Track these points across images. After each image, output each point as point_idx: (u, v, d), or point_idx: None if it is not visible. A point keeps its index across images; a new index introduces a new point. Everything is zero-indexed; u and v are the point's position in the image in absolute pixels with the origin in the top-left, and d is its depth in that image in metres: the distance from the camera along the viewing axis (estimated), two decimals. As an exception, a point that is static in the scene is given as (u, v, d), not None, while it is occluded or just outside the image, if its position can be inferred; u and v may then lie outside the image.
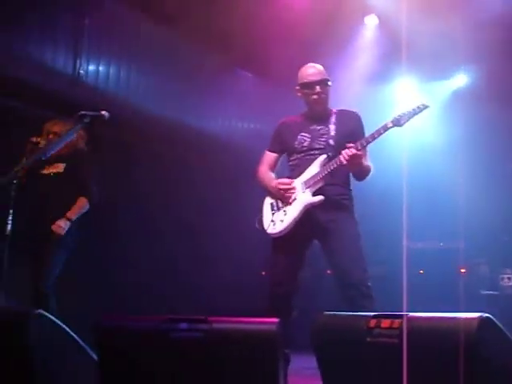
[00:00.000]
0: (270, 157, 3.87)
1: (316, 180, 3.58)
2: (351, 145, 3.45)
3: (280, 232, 3.62)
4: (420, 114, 3.41)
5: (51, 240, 4.22)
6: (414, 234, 5.99)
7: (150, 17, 6.15)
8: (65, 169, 4.43)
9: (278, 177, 3.85)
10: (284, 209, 3.64)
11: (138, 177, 6.48)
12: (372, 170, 3.67)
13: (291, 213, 3.60)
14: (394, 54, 6.63)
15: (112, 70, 5.83)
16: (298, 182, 3.66)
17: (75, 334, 2.80)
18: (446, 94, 7.12)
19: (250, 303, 4.35)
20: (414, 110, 3.39)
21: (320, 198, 3.56)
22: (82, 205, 4.37)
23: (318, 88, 3.69)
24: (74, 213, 4.31)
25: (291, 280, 3.65)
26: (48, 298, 4.20)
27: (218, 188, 6.90)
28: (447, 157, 6.44)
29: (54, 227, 4.21)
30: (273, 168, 3.87)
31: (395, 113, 3.42)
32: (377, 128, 3.48)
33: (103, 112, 3.87)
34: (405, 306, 2.31)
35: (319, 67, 3.78)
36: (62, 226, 4.22)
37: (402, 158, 5.89)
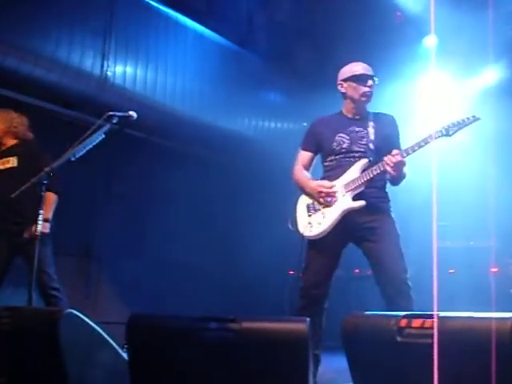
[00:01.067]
0: (304, 156, 3.78)
1: (357, 184, 3.51)
2: (397, 151, 3.38)
3: (317, 235, 3.56)
4: (470, 126, 3.37)
5: (35, 242, 4.19)
6: (444, 232, 5.95)
7: (178, 15, 6.19)
8: (18, 162, 4.41)
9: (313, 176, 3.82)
10: (322, 211, 3.58)
11: (166, 177, 6.51)
12: (407, 175, 3.62)
13: (330, 216, 3.54)
14: (421, 51, 6.60)
15: (139, 71, 5.86)
16: (338, 185, 3.58)
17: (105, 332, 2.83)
18: (477, 90, 7.01)
19: (277, 303, 4.36)
20: (464, 121, 3.34)
21: (362, 203, 3.48)
22: (52, 201, 4.36)
23: (370, 82, 3.61)
24: (49, 212, 4.30)
25: (325, 282, 3.61)
26: (58, 299, 4.25)
27: (247, 189, 6.91)
28: (478, 154, 6.35)
29: (36, 233, 4.13)
30: (308, 167, 3.78)
31: (444, 123, 3.37)
32: (424, 137, 3.39)
33: (131, 112, 3.90)
34: (435, 306, 2.28)
35: (367, 65, 3.70)
36: (43, 231, 4.16)
37: (431, 155, 5.84)
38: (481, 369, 1.96)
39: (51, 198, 4.37)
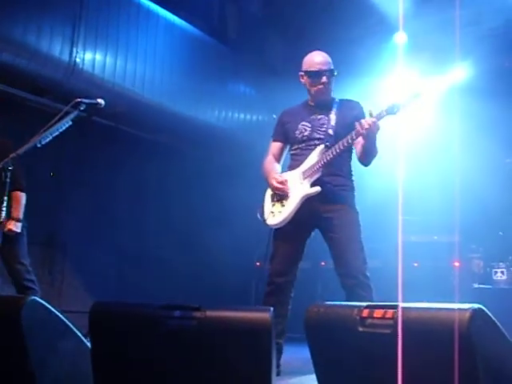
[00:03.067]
0: (274, 146, 3.88)
1: (314, 170, 3.59)
2: (367, 119, 3.40)
3: (279, 223, 3.64)
4: (413, 104, 3.40)
5: (9, 242, 4.17)
6: (408, 227, 6.03)
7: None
8: None
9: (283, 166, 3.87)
10: (282, 200, 3.65)
11: (134, 165, 6.48)
12: (378, 154, 3.64)
13: (289, 204, 3.62)
14: (392, 47, 6.66)
15: (109, 59, 5.80)
16: (296, 173, 3.66)
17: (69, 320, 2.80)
18: (445, 88, 7.10)
19: (243, 294, 4.38)
20: (407, 99, 3.38)
21: (317, 189, 3.56)
22: (20, 200, 4.35)
23: (324, 78, 3.69)
24: (18, 211, 4.30)
25: (291, 270, 3.66)
26: (33, 290, 4.22)
27: (218, 179, 6.89)
28: (444, 151, 6.45)
29: (8, 232, 4.16)
30: (278, 157, 3.86)
31: (389, 101, 3.42)
32: (380, 112, 3.42)
33: (99, 100, 3.87)
34: (400, 297, 2.32)
35: (326, 55, 3.76)
36: (14, 229, 4.21)
37: (398, 152, 5.93)
38: (440, 358, 2.00)
39: (19, 197, 4.35)
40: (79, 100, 3.82)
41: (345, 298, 3.47)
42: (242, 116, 7.28)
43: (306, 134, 3.70)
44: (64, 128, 3.95)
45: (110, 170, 6.37)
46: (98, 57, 5.73)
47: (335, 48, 6.41)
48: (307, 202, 3.58)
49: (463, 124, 6.45)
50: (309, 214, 3.59)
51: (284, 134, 3.84)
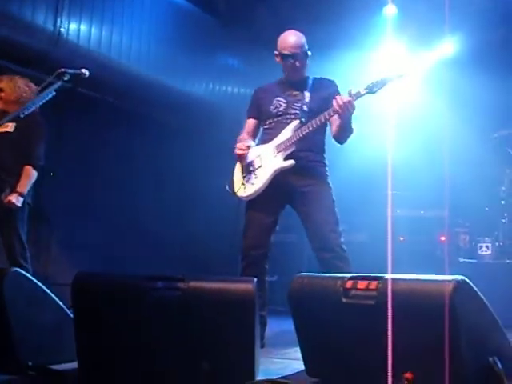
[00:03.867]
0: (250, 123, 3.91)
1: (288, 144, 3.61)
2: (343, 96, 3.42)
3: (250, 195, 3.67)
4: (394, 82, 3.39)
5: (8, 215, 4.13)
6: (395, 201, 6.04)
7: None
8: (14, 128, 4.30)
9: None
10: (255, 172, 3.67)
11: (121, 138, 6.42)
12: (354, 132, 3.67)
13: (262, 176, 3.64)
14: (382, 20, 6.60)
15: (94, 29, 5.70)
16: (270, 146, 3.68)
17: (53, 292, 2.79)
18: (433, 61, 7.07)
19: (227, 264, 4.39)
20: (387, 77, 3.37)
21: (291, 162, 3.59)
22: (30, 175, 4.24)
23: (296, 62, 3.70)
24: (24, 186, 4.19)
25: (264, 243, 3.68)
26: (26, 269, 4.17)
27: (200, 151, 6.87)
28: (432, 125, 6.44)
29: (7, 204, 4.10)
30: (253, 134, 3.90)
31: (369, 80, 3.40)
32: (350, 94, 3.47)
33: (83, 70, 3.82)
34: (389, 269, 2.32)
35: (299, 37, 3.75)
36: (15, 202, 4.10)
37: (386, 125, 5.91)
38: (424, 329, 2.01)
39: (29, 173, 4.25)
40: (63, 70, 3.76)
41: (321, 272, 3.47)
42: (229, 89, 7.23)
43: (281, 109, 3.73)
44: (47, 98, 3.89)
45: (98, 143, 6.31)
46: (83, 27, 5.62)
47: (325, 21, 6.38)
48: (280, 175, 3.61)
49: (451, 99, 6.45)
50: (282, 188, 3.63)
51: (258, 110, 3.86)
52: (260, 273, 3.60)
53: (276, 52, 3.78)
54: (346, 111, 3.41)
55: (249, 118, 3.91)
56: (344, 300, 2.14)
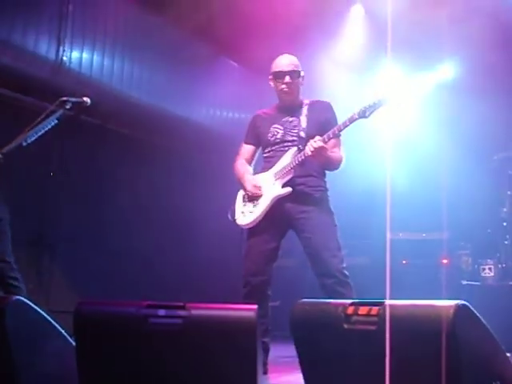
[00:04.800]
0: (246, 149, 3.93)
1: (285, 171, 3.64)
2: (318, 137, 3.48)
3: (249, 223, 3.71)
4: (385, 106, 3.43)
5: None
6: (397, 224, 6.05)
7: (136, 3, 6.10)
8: None
9: (255, 169, 3.90)
10: (254, 200, 3.69)
11: (122, 165, 6.45)
12: (344, 160, 3.70)
13: (261, 205, 3.67)
14: (379, 44, 6.66)
15: (96, 57, 5.77)
16: (269, 174, 3.71)
17: (55, 319, 2.79)
18: (431, 85, 7.13)
19: (229, 290, 4.38)
20: (379, 101, 3.42)
21: (288, 189, 3.62)
22: None
23: (287, 78, 3.73)
24: None
25: (265, 270, 3.68)
26: (17, 289, 4.17)
27: (201, 178, 6.90)
28: (432, 148, 6.47)
29: None
30: (250, 160, 3.93)
31: (361, 104, 3.45)
32: (343, 120, 3.53)
33: (85, 98, 3.88)
34: (388, 294, 2.32)
35: (292, 58, 3.82)
36: None
37: (386, 149, 5.94)
38: (425, 354, 2.01)
39: None
40: (65, 98, 3.82)
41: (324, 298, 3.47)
42: (230, 115, 7.29)
43: (278, 136, 3.74)
44: (50, 127, 3.93)
45: (99, 170, 6.34)
46: (85, 55, 5.69)
47: (317, 46, 6.42)
48: (281, 202, 3.63)
49: (451, 121, 6.48)
50: (282, 215, 3.64)
51: (256, 138, 3.89)
52: (262, 299, 3.59)
53: (270, 76, 3.82)
54: (319, 156, 3.49)
55: (245, 143, 3.94)
56: (345, 326, 2.14)
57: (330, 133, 3.51)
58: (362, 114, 3.42)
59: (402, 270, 6.01)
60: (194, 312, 2.20)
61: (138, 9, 6.14)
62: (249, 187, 3.70)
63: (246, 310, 2.19)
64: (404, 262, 6.21)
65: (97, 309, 2.39)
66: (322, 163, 3.64)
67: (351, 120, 3.47)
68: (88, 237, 6.11)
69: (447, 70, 7.05)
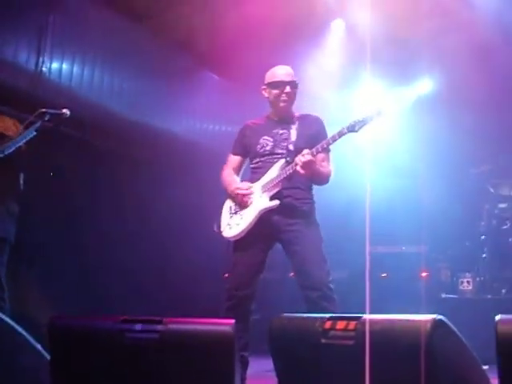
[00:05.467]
0: (233, 159, 3.90)
1: (273, 184, 3.62)
2: (306, 151, 3.48)
3: (235, 235, 3.67)
4: (375, 120, 3.45)
5: None
6: (376, 238, 6.07)
7: (117, 15, 6.09)
8: None
9: (242, 179, 3.88)
10: (241, 212, 3.67)
11: (102, 177, 6.40)
12: (332, 174, 3.71)
13: (247, 217, 3.64)
14: (359, 59, 6.72)
15: (76, 68, 5.74)
16: (256, 186, 3.69)
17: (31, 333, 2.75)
18: (411, 99, 7.20)
19: (211, 305, 4.34)
20: (369, 116, 3.42)
21: (275, 202, 3.60)
22: None
23: (288, 88, 3.73)
24: None
25: (251, 283, 3.65)
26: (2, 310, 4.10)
27: (182, 190, 6.86)
28: (411, 162, 6.52)
29: None
30: (237, 171, 3.89)
31: (351, 118, 3.47)
32: (332, 134, 3.53)
33: (64, 110, 3.85)
34: (368, 308, 2.32)
35: (290, 69, 3.83)
36: None
37: (365, 163, 5.98)
38: (403, 369, 2.01)
39: None
40: (43, 110, 3.79)
41: (307, 311, 3.45)
42: (211, 127, 7.30)
43: (267, 148, 3.73)
44: (28, 138, 3.89)
45: (77, 181, 6.28)
46: (65, 66, 5.66)
47: (298, 59, 6.46)
48: (268, 215, 3.61)
49: (429, 135, 6.55)
50: (270, 228, 3.61)
51: (244, 148, 3.87)
52: (244, 313, 3.57)
53: (264, 86, 3.81)
54: (308, 169, 3.47)
55: (233, 154, 3.91)
56: (323, 341, 2.13)
57: (319, 146, 3.51)
58: (352, 128, 3.43)
59: (381, 283, 6.02)
60: (171, 326, 2.18)
61: (118, 20, 6.12)
62: (238, 191, 3.67)
63: (224, 325, 2.18)
64: (383, 275, 6.22)
65: (72, 323, 2.36)
66: (311, 177, 3.63)
67: (340, 134, 3.47)
68: (68, 249, 6.04)
69: (425, 85, 7.13)
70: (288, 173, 3.57)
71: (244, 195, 3.66)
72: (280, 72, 3.79)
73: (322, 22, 6.66)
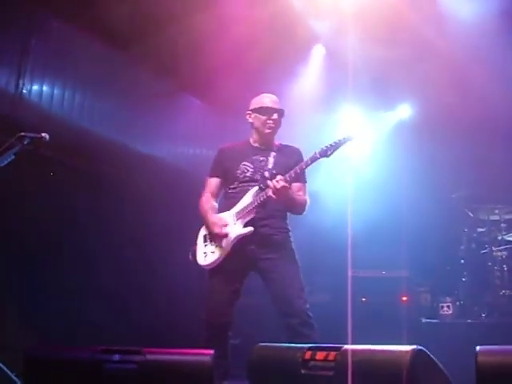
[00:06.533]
0: (212, 182, 3.89)
1: (247, 211, 3.63)
2: (280, 177, 3.48)
3: (210, 264, 3.66)
4: (346, 145, 3.47)
5: None
6: (357, 262, 6.10)
7: (98, 39, 6.09)
8: None
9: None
10: (216, 240, 3.66)
11: (81, 199, 6.33)
12: (308, 204, 3.71)
13: (222, 245, 3.63)
14: (340, 83, 6.79)
15: (56, 91, 5.71)
16: (230, 214, 3.69)
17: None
18: (391, 124, 7.27)
19: (189, 333, 4.30)
20: (340, 140, 3.47)
21: (249, 229, 3.60)
22: None
23: (275, 115, 3.77)
24: None
25: (227, 311, 3.64)
26: None
27: (162, 213, 6.82)
28: (391, 187, 6.56)
29: None
30: (216, 195, 3.88)
31: (323, 144, 3.50)
32: (305, 159, 3.56)
33: (43, 134, 3.80)
34: (349, 337, 2.31)
35: (276, 97, 3.87)
36: None
37: (346, 188, 6.01)
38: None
39: None
40: (23, 134, 3.75)
41: (288, 338, 3.44)
42: (191, 151, 7.30)
43: (247, 174, 3.74)
44: (6, 162, 3.85)
45: (56, 205, 6.21)
46: (46, 88, 5.63)
47: (279, 85, 6.52)
48: (244, 244, 3.61)
49: (410, 160, 6.61)
50: (246, 257, 3.62)
51: (223, 172, 3.86)
52: (223, 341, 3.55)
53: (249, 111, 3.83)
54: (281, 196, 3.47)
55: (211, 177, 3.89)
56: (303, 371, 2.12)
57: (292, 172, 3.52)
58: (324, 153, 3.45)
59: (362, 308, 6.02)
60: (150, 357, 2.15)
61: (100, 44, 6.12)
62: (214, 228, 3.65)
63: (203, 355, 2.16)
64: (363, 299, 6.22)
65: (49, 353, 2.32)
66: (286, 205, 3.62)
67: (312, 159, 3.49)
68: (44, 273, 5.95)
69: (405, 111, 7.21)
70: (261, 199, 3.57)
71: (220, 230, 3.64)
72: (269, 99, 3.82)
73: (303, 47, 6.71)
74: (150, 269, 6.74)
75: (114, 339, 2.42)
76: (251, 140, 3.89)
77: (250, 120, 3.84)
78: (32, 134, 3.77)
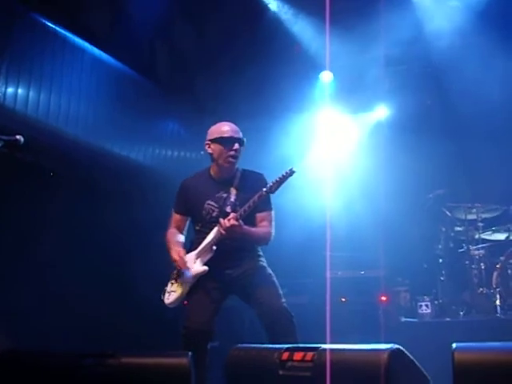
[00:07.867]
0: (177, 218, 3.88)
1: (205, 250, 3.65)
2: (232, 215, 3.48)
3: (172, 303, 3.73)
4: (288, 179, 3.49)
5: None
6: (336, 263, 6.11)
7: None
8: None
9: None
10: (178, 280, 3.72)
11: (57, 203, 6.26)
12: (272, 234, 3.70)
13: (181, 285, 3.69)
14: (317, 85, 6.82)
15: (32, 93, 5.63)
16: (192, 254, 3.71)
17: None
18: (369, 125, 7.30)
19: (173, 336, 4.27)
20: (282, 176, 3.48)
21: (204, 268, 3.62)
22: None
23: (236, 145, 3.66)
24: None
25: (208, 324, 3.64)
26: None
27: (141, 216, 6.76)
28: (369, 187, 6.58)
29: None
30: (182, 228, 3.88)
31: (269, 180, 3.56)
32: (253, 198, 3.54)
33: (18, 136, 3.73)
34: (328, 337, 2.30)
35: (235, 125, 3.75)
36: None
37: (324, 189, 6.02)
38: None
39: None
40: (-4, 137, 3.69)
41: (269, 339, 3.44)
42: (169, 153, 7.26)
43: (213, 214, 3.69)
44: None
45: (34, 209, 6.12)
46: (21, 91, 5.55)
47: (265, 85, 6.53)
48: (216, 270, 3.62)
49: (388, 160, 6.64)
50: (222, 281, 3.66)
51: (186, 210, 3.84)
52: (201, 353, 3.52)
53: (208, 141, 3.72)
54: (232, 234, 3.49)
55: (176, 212, 3.86)
56: (281, 372, 2.11)
57: (242, 210, 3.53)
58: (269, 190, 3.49)
59: (341, 308, 6.02)
60: (124, 360, 2.13)
61: (75, 44, 6.06)
62: (176, 264, 3.67)
63: (180, 357, 2.14)
64: (343, 299, 6.22)
65: (21, 358, 2.28)
66: (240, 240, 3.60)
67: (260, 197, 3.51)
68: (21, 278, 5.86)
69: (383, 111, 7.25)
70: (216, 239, 3.60)
71: (183, 265, 3.65)
72: (229, 127, 3.71)
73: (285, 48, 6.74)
74: (126, 276, 6.68)
75: (86, 344, 2.39)
76: (212, 172, 3.79)
77: (209, 151, 3.72)
78: (6, 137, 3.70)
